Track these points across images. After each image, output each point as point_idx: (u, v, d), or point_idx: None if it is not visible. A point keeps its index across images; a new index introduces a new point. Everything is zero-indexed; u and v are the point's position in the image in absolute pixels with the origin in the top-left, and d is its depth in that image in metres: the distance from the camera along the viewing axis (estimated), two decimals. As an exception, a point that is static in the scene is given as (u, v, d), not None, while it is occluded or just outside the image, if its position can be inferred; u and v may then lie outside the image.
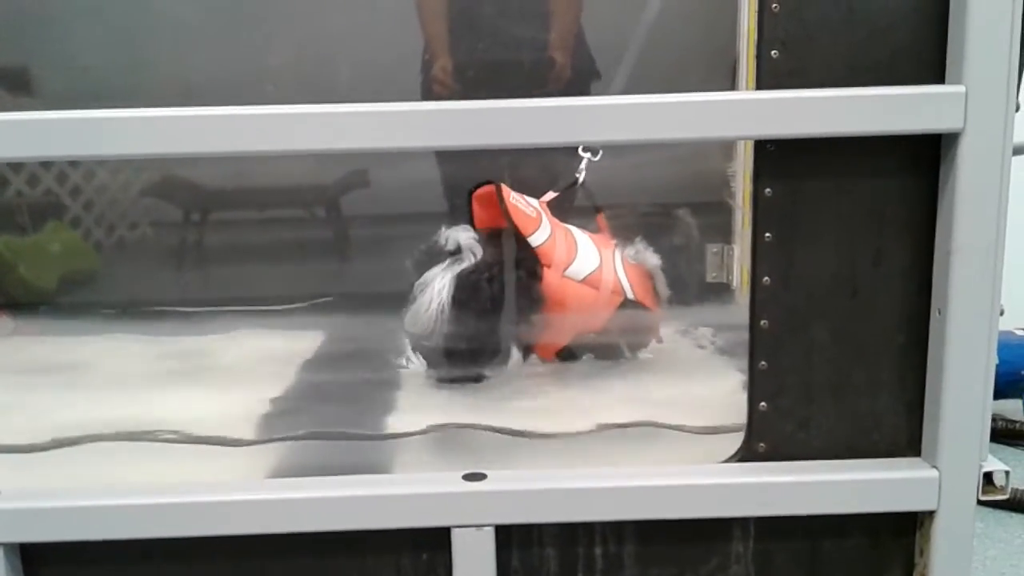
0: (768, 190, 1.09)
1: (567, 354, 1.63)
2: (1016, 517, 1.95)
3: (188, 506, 1.09)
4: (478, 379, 1.54)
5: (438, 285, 1.48)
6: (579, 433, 1.31)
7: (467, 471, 1.13)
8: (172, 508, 1.10)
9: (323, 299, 2.08)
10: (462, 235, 1.53)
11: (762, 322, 1.12)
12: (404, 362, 1.58)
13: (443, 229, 1.54)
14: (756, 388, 1.14)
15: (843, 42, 1.04)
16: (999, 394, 2.33)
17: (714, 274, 2.03)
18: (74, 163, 2.31)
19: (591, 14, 2.16)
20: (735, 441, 1.18)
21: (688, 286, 1.67)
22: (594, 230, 1.67)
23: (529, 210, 1.53)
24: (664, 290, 1.63)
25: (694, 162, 1.98)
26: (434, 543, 1.11)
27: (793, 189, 1.08)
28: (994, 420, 2.30)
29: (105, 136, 1.04)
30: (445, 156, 1.92)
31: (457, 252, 1.51)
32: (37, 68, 2.25)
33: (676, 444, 1.29)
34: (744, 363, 1.15)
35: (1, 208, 2.34)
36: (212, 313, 1.99)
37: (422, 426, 1.33)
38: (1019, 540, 1.87)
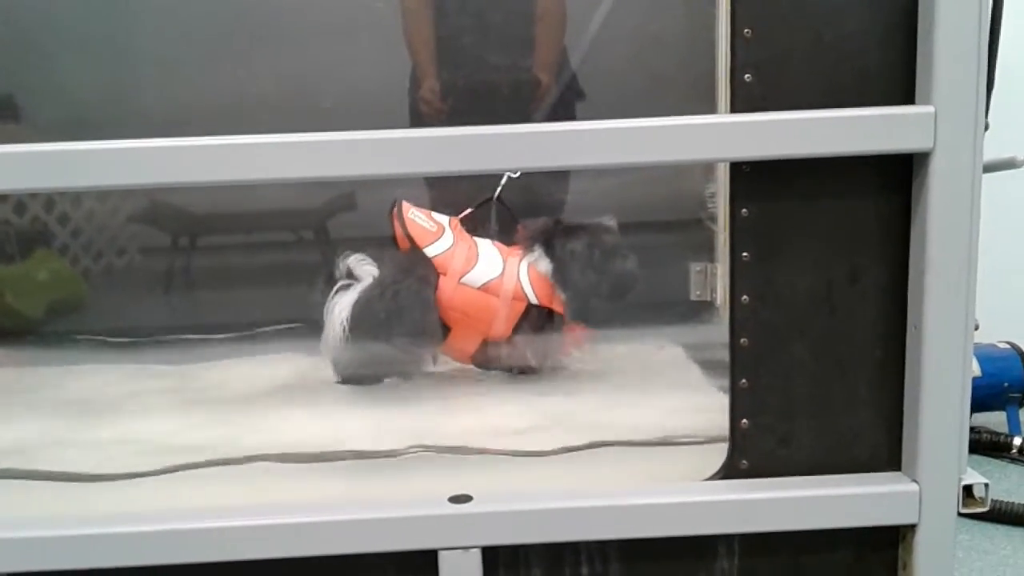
0: (744, 210, 1.10)
1: (483, 360, 1.72)
2: (1001, 529, 1.96)
3: (166, 534, 1.10)
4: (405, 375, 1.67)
5: (338, 308, 1.64)
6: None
7: (452, 493, 1.14)
8: (150, 536, 1.10)
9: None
10: (351, 260, 1.70)
11: (742, 340, 1.13)
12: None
13: (339, 259, 1.70)
14: (737, 406, 1.15)
15: (814, 65, 1.06)
16: (984, 407, 2.36)
17: (698, 292, 2.05)
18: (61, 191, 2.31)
19: (573, 35, 2.19)
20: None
21: (608, 294, 1.70)
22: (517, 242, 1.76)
23: (429, 224, 1.68)
24: (562, 295, 1.68)
25: (677, 181, 2.00)
26: (420, 566, 1.12)
27: (769, 209, 1.10)
28: (979, 432, 2.32)
29: (93, 167, 1.05)
30: (433, 178, 1.93)
31: (350, 275, 1.68)
32: (23, 96, 2.26)
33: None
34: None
35: (-12, 236, 2.34)
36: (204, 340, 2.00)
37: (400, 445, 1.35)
38: (1004, 552, 1.88)
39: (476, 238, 1.72)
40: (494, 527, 1.12)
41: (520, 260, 1.70)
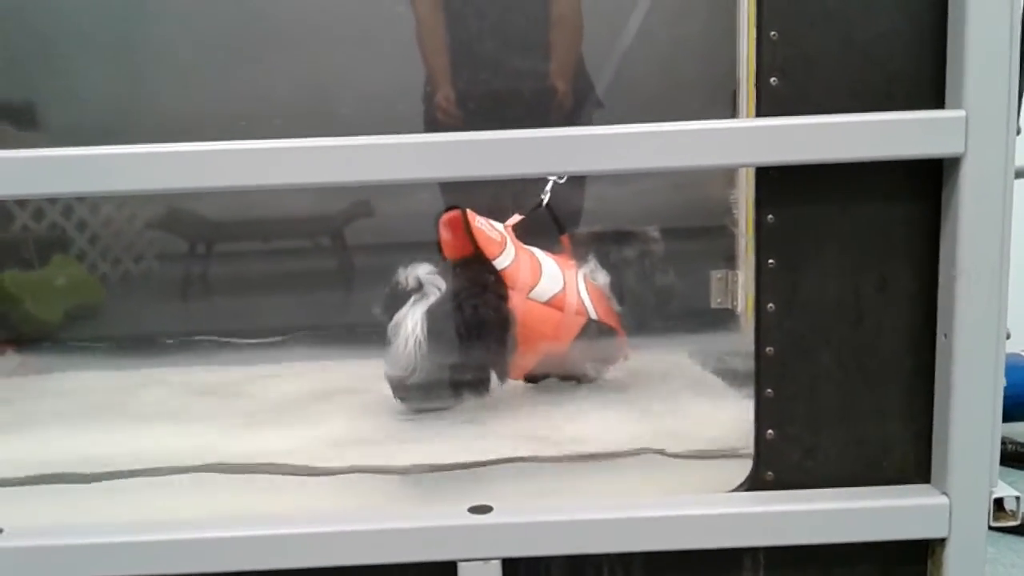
0: (770, 216, 1.08)
1: (537, 377, 1.67)
2: (1029, 542, 1.93)
3: (189, 543, 1.09)
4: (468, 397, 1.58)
5: (410, 323, 1.52)
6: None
7: (473, 504, 1.12)
8: (173, 545, 1.08)
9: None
10: (422, 271, 1.58)
11: (767, 349, 1.11)
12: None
13: (401, 270, 1.58)
14: (763, 416, 1.13)
15: (842, 68, 1.05)
16: (1008, 417, 2.30)
17: (719, 300, 2.03)
18: (79, 197, 2.32)
19: (590, 43, 2.18)
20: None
21: (654, 305, 1.67)
22: (560, 251, 1.71)
23: (494, 234, 1.58)
24: (616, 307, 1.64)
25: (697, 188, 1.98)
26: (440, 577, 1.10)
27: (795, 215, 1.08)
28: (1003, 443, 2.28)
29: (110, 172, 1.04)
30: (448, 185, 1.92)
31: (420, 288, 1.56)
32: (43, 103, 2.27)
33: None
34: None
35: (7, 243, 2.35)
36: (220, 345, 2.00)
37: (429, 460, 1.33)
38: (1032, 565, 1.85)
39: (530, 248, 1.65)
40: (515, 538, 1.10)
41: (577, 272, 1.64)
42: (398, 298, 1.56)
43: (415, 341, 1.51)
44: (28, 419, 1.62)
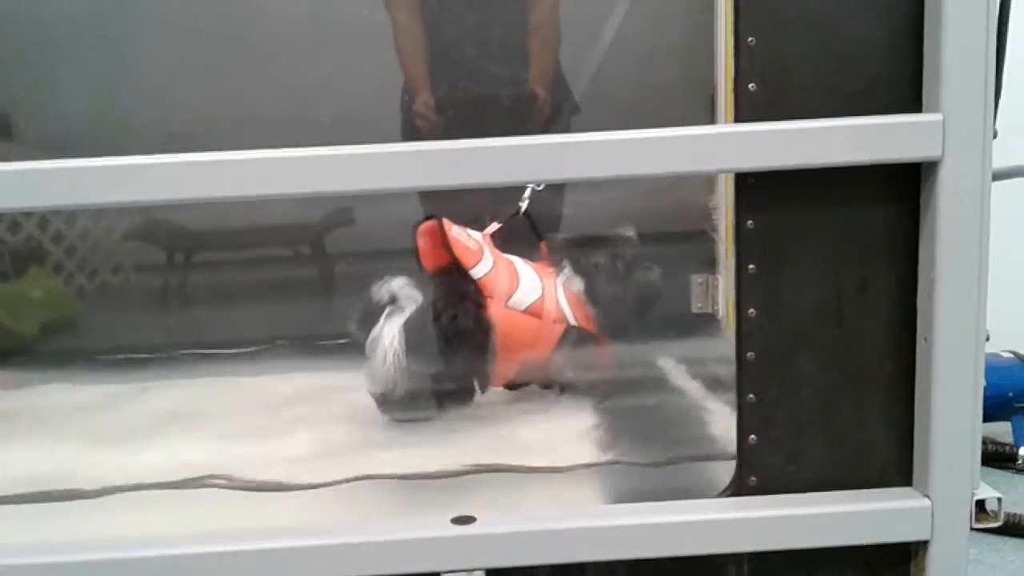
0: (750, 222, 1.09)
1: (518, 384, 1.66)
2: (1010, 542, 1.94)
3: (174, 558, 1.07)
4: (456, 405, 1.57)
5: (387, 338, 1.51)
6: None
7: (456, 514, 1.11)
8: (157, 561, 1.07)
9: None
10: (395, 285, 1.57)
11: (748, 354, 1.11)
12: None
13: (375, 284, 1.57)
14: (745, 421, 1.13)
15: (820, 74, 1.05)
16: (988, 417, 2.32)
17: (699, 305, 2.03)
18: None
19: (568, 48, 2.18)
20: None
21: (631, 308, 1.68)
22: (538, 259, 1.70)
23: (471, 243, 1.57)
24: (591, 312, 1.64)
25: (677, 193, 1.99)
26: (424, 588, 1.10)
27: (775, 220, 1.09)
28: (984, 443, 2.29)
29: (87, 185, 1.03)
30: (427, 192, 1.92)
31: (394, 301, 1.55)
32: (17, 114, 2.25)
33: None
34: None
35: (-18, 255, 2.32)
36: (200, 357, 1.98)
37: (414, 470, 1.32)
38: (1013, 565, 1.86)
39: (508, 256, 1.65)
40: (498, 548, 1.09)
41: (555, 280, 1.64)
42: (372, 313, 1.55)
43: (394, 356, 1.50)
44: (4, 433, 1.60)
